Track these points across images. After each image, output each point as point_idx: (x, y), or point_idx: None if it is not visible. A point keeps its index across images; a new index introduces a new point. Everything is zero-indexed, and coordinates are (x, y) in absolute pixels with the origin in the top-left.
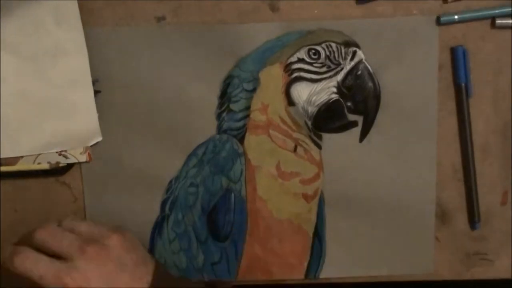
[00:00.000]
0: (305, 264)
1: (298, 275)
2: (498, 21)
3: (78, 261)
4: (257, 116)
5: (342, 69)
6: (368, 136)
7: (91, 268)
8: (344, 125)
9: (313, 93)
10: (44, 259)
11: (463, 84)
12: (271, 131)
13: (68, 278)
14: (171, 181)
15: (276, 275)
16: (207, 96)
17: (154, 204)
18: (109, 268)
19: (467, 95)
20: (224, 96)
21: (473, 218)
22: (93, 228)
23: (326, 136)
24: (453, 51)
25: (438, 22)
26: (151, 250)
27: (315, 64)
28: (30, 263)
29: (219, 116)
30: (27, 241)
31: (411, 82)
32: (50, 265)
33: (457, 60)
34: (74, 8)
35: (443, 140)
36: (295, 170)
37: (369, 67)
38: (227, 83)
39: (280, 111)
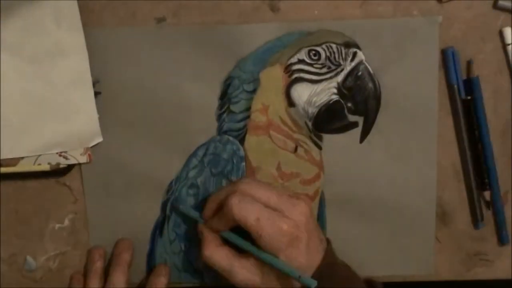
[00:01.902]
0: None
1: None
2: (501, 2)
3: (287, 212)
4: (257, 117)
5: (342, 70)
6: (369, 136)
7: (299, 219)
8: (344, 125)
9: (314, 94)
10: (260, 204)
11: (455, 86)
12: (271, 132)
13: (282, 223)
14: (171, 182)
15: None
16: (207, 97)
17: (155, 205)
18: (312, 226)
19: (460, 96)
20: (224, 97)
21: (475, 218)
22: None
23: (326, 137)
24: (443, 53)
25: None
26: (152, 250)
27: (315, 65)
28: (247, 206)
29: (219, 117)
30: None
31: (411, 82)
32: (265, 209)
33: (447, 61)
34: (74, 8)
35: (443, 140)
36: (296, 171)
37: (369, 68)
38: (227, 84)
39: (281, 112)
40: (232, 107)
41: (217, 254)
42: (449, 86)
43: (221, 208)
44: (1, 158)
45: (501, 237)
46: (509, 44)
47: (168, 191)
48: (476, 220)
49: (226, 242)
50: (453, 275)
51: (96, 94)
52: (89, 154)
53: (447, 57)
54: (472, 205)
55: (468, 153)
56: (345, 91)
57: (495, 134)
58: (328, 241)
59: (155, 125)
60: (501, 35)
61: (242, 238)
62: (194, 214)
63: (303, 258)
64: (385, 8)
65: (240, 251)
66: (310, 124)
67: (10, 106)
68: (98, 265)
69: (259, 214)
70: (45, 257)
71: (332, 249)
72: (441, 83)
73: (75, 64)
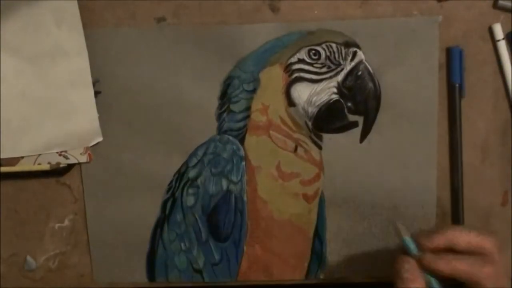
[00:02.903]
0: (306, 264)
1: (299, 276)
2: (501, 2)
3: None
4: (257, 116)
5: (342, 69)
6: (369, 136)
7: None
8: (344, 125)
9: (314, 94)
10: (460, 256)
11: (457, 85)
12: (271, 132)
13: (484, 270)
14: (171, 182)
15: (276, 276)
16: (208, 97)
17: (155, 205)
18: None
19: (460, 96)
20: (224, 97)
21: (458, 221)
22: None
23: (326, 137)
24: (450, 51)
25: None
26: (152, 250)
27: (315, 65)
28: (454, 261)
29: (219, 116)
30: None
31: (412, 82)
32: (467, 260)
33: (453, 60)
34: (74, 8)
35: (443, 140)
36: (296, 171)
37: (369, 67)
38: (227, 83)
39: (281, 111)
40: (232, 107)
41: None
42: (451, 85)
43: (450, 250)
44: (2, 157)
45: None
46: (499, 40)
47: (168, 190)
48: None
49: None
50: None
51: (96, 93)
52: (89, 154)
53: (453, 56)
54: (455, 208)
55: (459, 153)
56: (345, 91)
57: (495, 133)
58: None
59: (155, 125)
60: (490, 31)
61: None
62: (410, 244)
63: None
64: (385, 8)
65: None
66: (310, 123)
67: (10, 105)
68: None
69: (465, 266)
70: (45, 257)
71: None
72: (442, 82)
73: (75, 64)
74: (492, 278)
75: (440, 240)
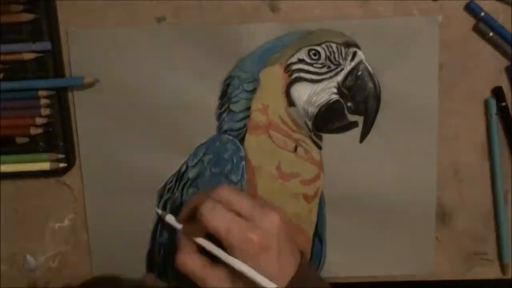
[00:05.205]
0: None
1: None
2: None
3: (258, 222)
4: (257, 116)
5: (342, 69)
6: (369, 136)
7: (270, 229)
8: (344, 125)
9: (313, 94)
10: (231, 213)
11: None
12: (271, 132)
13: (252, 234)
14: (171, 182)
15: None
16: (207, 97)
17: (155, 205)
18: (284, 237)
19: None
20: (224, 97)
21: None
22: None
23: (326, 137)
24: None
25: None
26: (152, 250)
27: (315, 65)
28: (218, 215)
29: (219, 116)
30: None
31: (412, 82)
32: (236, 219)
33: None
34: None
35: (444, 140)
36: (296, 171)
37: (369, 67)
38: (227, 83)
39: (280, 111)
40: (232, 107)
41: (190, 262)
42: None
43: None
44: None
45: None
46: None
47: (168, 190)
48: None
49: (203, 250)
50: (453, 275)
51: (96, 92)
52: None
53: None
54: None
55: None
56: (345, 91)
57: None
58: (302, 255)
59: (155, 125)
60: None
61: (215, 245)
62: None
63: (274, 268)
64: (385, 7)
65: (215, 259)
66: (310, 123)
67: None
68: None
69: (230, 225)
70: (45, 257)
71: (307, 262)
72: (443, 82)
73: None
74: (255, 248)
75: (186, 211)
